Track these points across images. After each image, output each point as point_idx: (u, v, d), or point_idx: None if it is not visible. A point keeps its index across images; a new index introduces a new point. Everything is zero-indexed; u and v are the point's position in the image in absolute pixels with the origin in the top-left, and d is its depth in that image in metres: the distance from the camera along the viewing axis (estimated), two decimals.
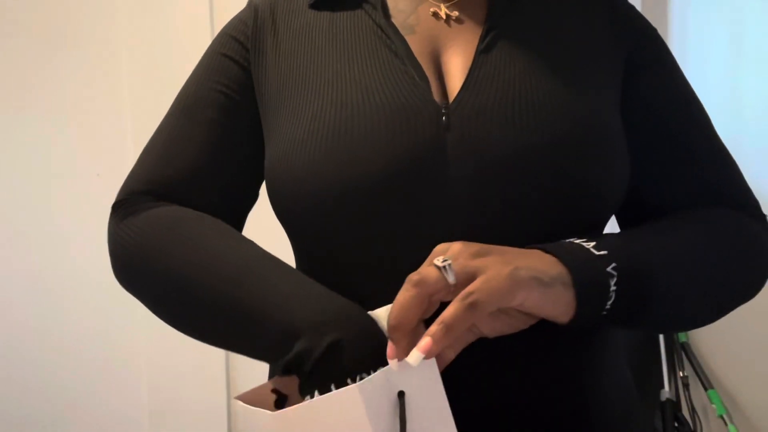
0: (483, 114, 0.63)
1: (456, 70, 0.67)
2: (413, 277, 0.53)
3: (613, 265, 0.58)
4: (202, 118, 0.72)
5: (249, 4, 0.76)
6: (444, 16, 0.70)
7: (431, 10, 0.71)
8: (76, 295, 1.87)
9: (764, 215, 0.75)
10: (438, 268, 0.53)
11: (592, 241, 0.60)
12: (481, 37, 0.68)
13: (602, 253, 0.58)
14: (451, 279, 0.53)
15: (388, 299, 0.57)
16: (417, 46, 0.68)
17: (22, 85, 1.83)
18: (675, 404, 1.77)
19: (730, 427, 1.68)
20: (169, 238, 0.65)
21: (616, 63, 0.71)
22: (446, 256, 0.54)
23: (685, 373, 1.82)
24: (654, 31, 0.76)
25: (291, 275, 0.62)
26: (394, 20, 0.70)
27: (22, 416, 1.88)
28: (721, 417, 1.70)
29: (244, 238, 0.67)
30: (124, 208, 0.70)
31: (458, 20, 0.70)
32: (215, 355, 1.89)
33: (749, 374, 1.75)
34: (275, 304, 0.58)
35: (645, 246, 0.63)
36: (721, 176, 0.73)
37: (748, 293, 0.70)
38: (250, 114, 0.72)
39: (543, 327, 0.60)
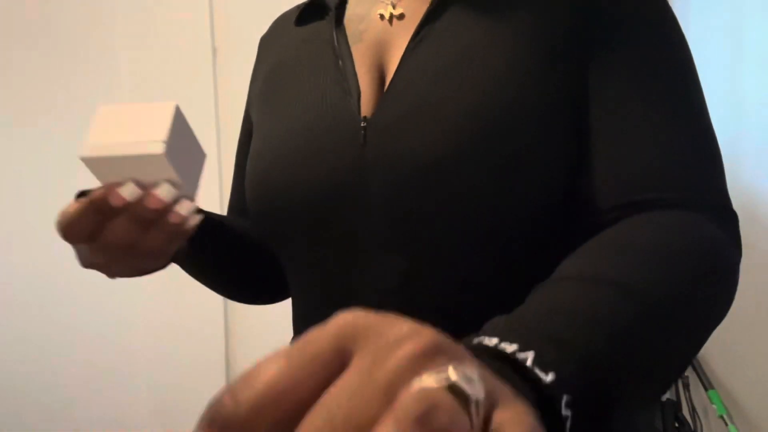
0: (399, 123, 0.60)
1: (390, 74, 0.64)
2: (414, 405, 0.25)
3: (566, 398, 0.35)
4: (236, 164, 0.84)
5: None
6: (388, 16, 0.67)
7: (379, 12, 0.68)
8: (77, 296, 1.87)
9: (733, 214, 0.61)
10: (461, 394, 0.26)
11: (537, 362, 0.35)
12: (413, 33, 0.63)
13: (551, 379, 0.34)
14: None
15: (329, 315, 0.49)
16: (361, 54, 0.66)
17: (22, 85, 1.83)
18: (675, 404, 1.77)
19: (731, 427, 1.68)
20: None
21: (568, 51, 0.60)
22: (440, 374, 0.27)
23: (686, 374, 1.81)
24: (623, 5, 0.62)
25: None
26: (347, 29, 0.68)
27: (22, 416, 1.88)
28: (722, 417, 1.70)
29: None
30: None
31: (401, 18, 0.67)
32: (215, 355, 1.89)
33: (749, 374, 1.75)
34: None
35: (603, 334, 0.39)
36: (690, 179, 0.58)
37: (719, 318, 0.52)
38: None
39: None
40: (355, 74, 0.65)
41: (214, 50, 1.82)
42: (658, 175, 0.57)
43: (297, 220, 0.63)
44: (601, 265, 0.46)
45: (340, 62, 0.66)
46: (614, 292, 0.42)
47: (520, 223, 0.59)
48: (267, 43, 0.79)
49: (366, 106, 0.63)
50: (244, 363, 1.92)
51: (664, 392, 0.49)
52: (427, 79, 0.61)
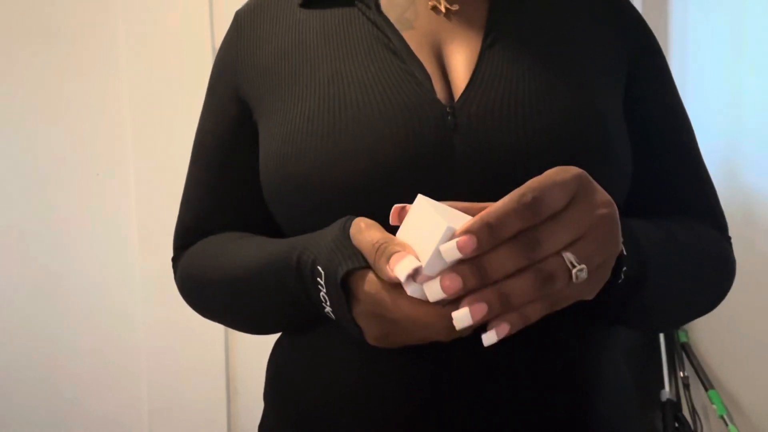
0: (490, 114, 0.61)
1: (460, 66, 0.65)
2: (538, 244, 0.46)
3: (625, 269, 0.56)
4: (204, 162, 0.76)
5: (234, 18, 0.76)
6: (444, 10, 0.68)
7: (430, 3, 0.69)
8: (76, 295, 1.87)
9: (729, 236, 0.76)
10: (570, 267, 0.47)
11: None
12: (485, 32, 0.66)
13: (627, 254, 0.56)
14: (578, 279, 0.47)
15: None
16: (416, 41, 0.66)
17: (21, 84, 1.83)
18: (675, 404, 1.78)
19: (731, 427, 1.68)
20: (195, 267, 0.74)
21: (619, 66, 0.70)
22: (578, 257, 0.48)
23: (686, 374, 1.82)
24: (655, 38, 0.75)
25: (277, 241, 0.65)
26: (389, 16, 0.68)
27: (22, 416, 1.88)
28: (722, 417, 1.70)
29: (243, 235, 0.71)
30: (174, 263, 0.80)
31: (458, 14, 0.68)
32: (215, 354, 1.90)
33: (749, 374, 1.75)
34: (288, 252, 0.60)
35: (651, 245, 0.61)
36: (700, 197, 0.74)
37: (716, 302, 0.73)
38: (249, 141, 0.71)
39: (542, 330, 0.61)
40: (417, 59, 0.65)
41: (214, 50, 1.82)
42: (693, 204, 0.74)
43: (367, 203, 0.59)
44: (665, 225, 0.66)
45: (392, 45, 0.65)
46: (672, 236, 0.65)
47: None
48: (255, 20, 0.74)
49: (438, 94, 0.63)
50: (243, 363, 1.92)
51: (664, 321, 0.72)
52: (513, 75, 0.63)
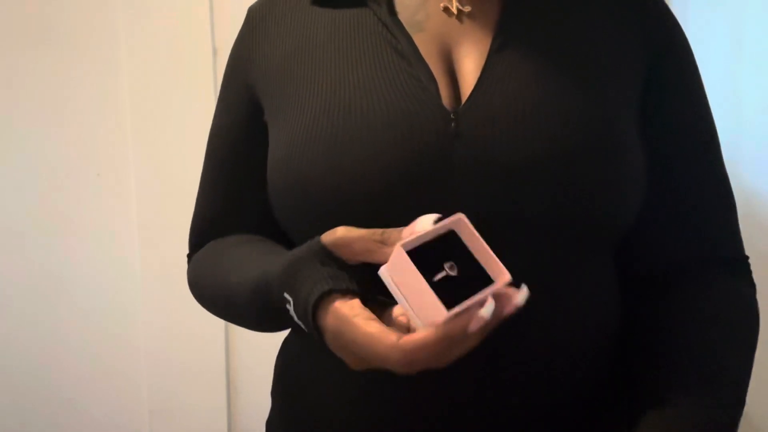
0: (492, 121, 0.60)
1: (468, 70, 0.64)
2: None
3: None
4: (216, 161, 0.76)
5: (246, 14, 0.76)
6: (456, 12, 0.66)
7: (442, 5, 0.67)
8: (76, 295, 1.87)
9: (749, 266, 0.73)
10: None
11: None
12: (495, 34, 0.65)
13: None
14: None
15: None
16: (425, 44, 0.65)
17: (21, 83, 1.83)
18: None
19: None
20: (199, 273, 0.76)
21: (638, 70, 0.68)
22: None
23: None
24: (681, 32, 0.72)
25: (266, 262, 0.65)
26: (400, 17, 0.67)
27: (22, 416, 1.88)
28: None
29: (247, 240, 0.72)
30: (189, 260, 0.81)
31: (471, 16, 0.66)
32: (215, 355, 1.90)
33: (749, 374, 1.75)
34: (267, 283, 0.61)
35: None
36: (720, 228, 0.71)
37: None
38: (260, 141, 0.71)
39: (551, 337, 0.61)
40: (425, 63, 0.63)
41: (214, 50, 1.82)
42: (713, 240, 0.70)
43: (367, 210, 0.59)
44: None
45: (400, 48, 0.64)
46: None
47: (600, 232, 0.63)
48: (267, 17, 0.73)
49: (445, 99, 0.62)
50: (243, 363, 1.92)
51: None
52: (520, 80, 0.62)
